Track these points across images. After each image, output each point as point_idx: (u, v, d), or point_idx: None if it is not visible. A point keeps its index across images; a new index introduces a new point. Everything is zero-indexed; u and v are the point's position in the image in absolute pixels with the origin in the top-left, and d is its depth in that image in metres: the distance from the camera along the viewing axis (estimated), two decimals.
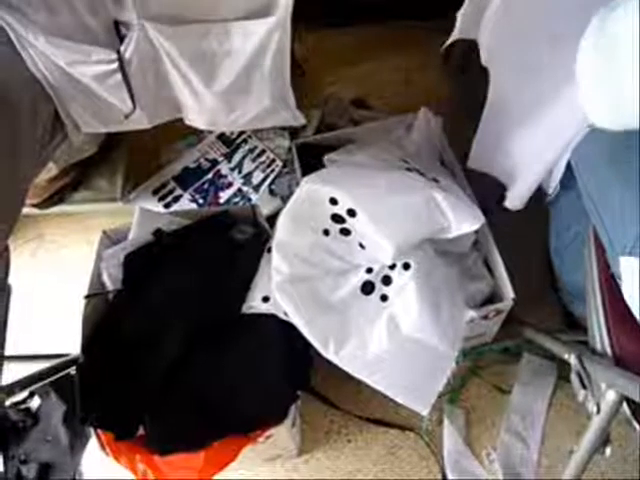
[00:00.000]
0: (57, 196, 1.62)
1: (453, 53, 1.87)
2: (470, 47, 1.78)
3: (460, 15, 1.11)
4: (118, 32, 1.11)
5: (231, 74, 1.17)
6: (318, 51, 1.91)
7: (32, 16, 1.06)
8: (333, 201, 1.19)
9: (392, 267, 1.19)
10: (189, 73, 1.17)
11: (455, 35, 1.15)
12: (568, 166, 1.16)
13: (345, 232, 1.19)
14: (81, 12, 1.06)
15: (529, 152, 1.20)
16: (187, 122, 1.35)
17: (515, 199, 1.29)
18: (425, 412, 1.15)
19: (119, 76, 1.15)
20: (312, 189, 1.21)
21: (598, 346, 1.00)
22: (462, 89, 1.80)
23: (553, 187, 1.21)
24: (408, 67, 1.96)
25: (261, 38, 1.09)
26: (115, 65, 1.13)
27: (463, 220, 1.20)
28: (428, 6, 1.86)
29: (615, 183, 0.94)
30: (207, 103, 1.24)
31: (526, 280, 1.35)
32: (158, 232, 1.33)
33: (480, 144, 1.35)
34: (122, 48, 1.12)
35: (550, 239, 1.45)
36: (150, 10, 1.06)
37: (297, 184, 1.51)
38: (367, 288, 1.19)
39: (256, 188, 1.66)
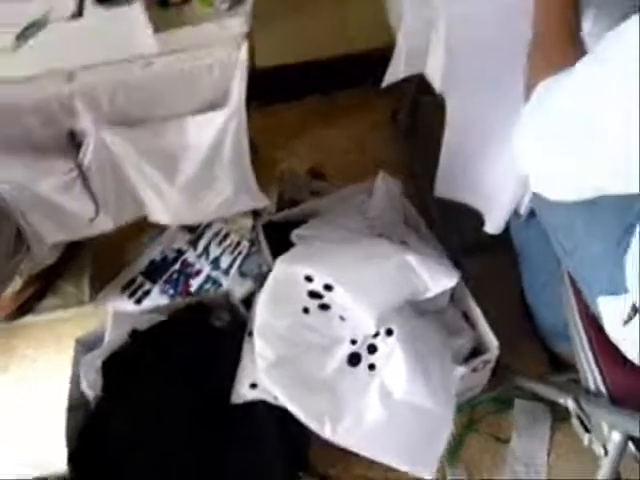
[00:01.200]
0: (25, 307, 1.58)
1: (400, 115, 1.92)
2: (415, 109, 1.85)
3: (396, 54, 1.13)
4: (74, 141, 1.12)
5: (192, 168, 1.18)
6: (268, 128, 1.93)
7: None
8: (308, 278, 1.19)
9: (375, 335, 1.19)
10: (149, 172, 1.17)
11: (398, 72, 1.16)
12: (532, 212, 1.19)
13: (324, 307, 1.20)
14: (33, 127, 1.06)
15: (499, 174, 1.20)
16: (152, 220, 1.35)
17: (493, 224, 1.29)
18: (430, 476, 1.13)
19: (80, 184, 1.15)
20: (286, 269, 1.21)
21: (592, 386, 1.01)
22: (412, 149, 1.84)
23: (524, 207, 1.21)
24: (358, 133, 1.99)
25: (218, 129, 1.10)
26: (75, 174, 1.13)
27: (439, 279, 1.22)
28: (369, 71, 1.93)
29: (580, 228, 0.96)
30: (171, 199, 1.24)
31: (507, 329, 1.36)
32: (134, 333, 1.30)
33: (445, 172, 1.33)
34: (80, 156, 1.12)
35: (523, 283, 1.47)
36: (104, 116, 1.06)
37: (267, 263, 1.51)
38: (354, 360, 1.18)
39: (226, 272, 1.65)
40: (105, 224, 1.28)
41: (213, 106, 1.09)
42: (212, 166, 1.18)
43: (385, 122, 1.99)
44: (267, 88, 1.67)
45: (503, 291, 1.57)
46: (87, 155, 1.12)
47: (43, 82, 0.99)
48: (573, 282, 1.07)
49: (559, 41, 0.84)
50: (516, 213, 1.23)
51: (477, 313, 1.34)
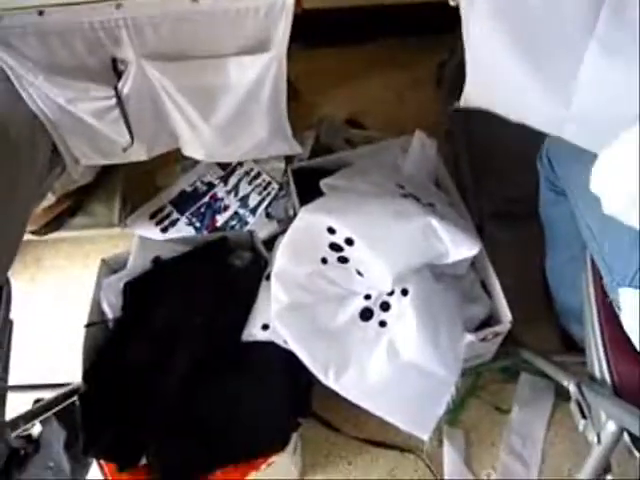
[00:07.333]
0: (55, 223, 1.63)
1: (444, 76, 1.87)
2: (461, 71, 1.80)
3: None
4: (115, 68, 1.12)
5: (229, 108, 1.18)
6: (310, 72, 1.91)
7: (30, 55, 1.07)
8: (331, 230, 1.20)
9: (390, 293, 1.20)
10: (187, 108, 1.18)
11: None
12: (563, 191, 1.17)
13: (343, 260, 1.20)
14: (80, 51, 1.07)
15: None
16: (185, 154, 1.36)
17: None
18: (426, 437, 1.16)
19: (117, 112, 1.16)
20: (309, 219, 1.22)
21: (597, 373, 1.01)
22: (452, 111, 1.79)
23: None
24: (400, 85, 1.96)
25: (258, 72, 1.10)
26: (113, 101, 1.14)
27: (460, 246, 1.21)
28: (418, 23, 1.87)
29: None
30: (205, 136, 1.25)
31: (523, 301, 1.35)
32: (157, 260, 1.33)
33: (474, 78, 1.16)
34: (120, 84, 1.12)
35: (546, 260, 1.46)
36: (147, 47, 1.07)
37: (293, 208, 1.52)
38: (366, 314, 1.20)
39: (253, 211, 1.67)
40: (139, 153, 1.30)
41: (255, 49, 1.08)
42: (248, 108, 1.18)
43: (427, 79, 1.96)
44: (312, 31, 1.64)
45: (526, 264, 1.57)
46: (127, 84, 1.12)
47: (92, 8, 0.99)
48: (595, 266, 1.06)
49: None
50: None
51: (495, 284, 1.33)
